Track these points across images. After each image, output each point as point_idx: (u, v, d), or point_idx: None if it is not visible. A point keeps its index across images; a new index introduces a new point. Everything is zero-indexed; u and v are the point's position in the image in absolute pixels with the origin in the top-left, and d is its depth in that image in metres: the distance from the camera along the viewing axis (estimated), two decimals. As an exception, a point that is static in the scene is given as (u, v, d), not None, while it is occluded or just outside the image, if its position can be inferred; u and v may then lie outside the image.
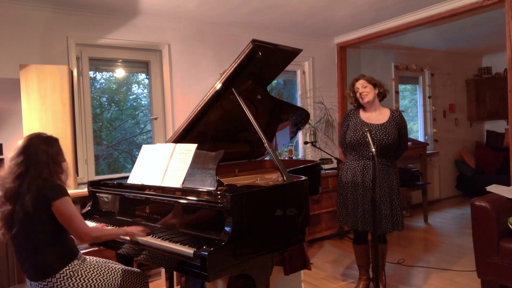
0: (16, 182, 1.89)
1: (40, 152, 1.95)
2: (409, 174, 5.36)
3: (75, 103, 3.51)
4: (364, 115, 2.99)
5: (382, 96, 2.99)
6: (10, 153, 2.02)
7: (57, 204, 1.88)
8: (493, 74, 6.89)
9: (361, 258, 3.09)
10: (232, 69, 2.21)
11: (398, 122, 2.93)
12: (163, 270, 3.37)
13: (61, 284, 1.88)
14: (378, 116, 2.96)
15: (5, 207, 1.89)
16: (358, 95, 2.97)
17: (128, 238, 2.05)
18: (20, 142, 1.99)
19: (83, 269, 1.95)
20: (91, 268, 1.99)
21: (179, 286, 3.17)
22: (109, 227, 2.21)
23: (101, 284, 1.96)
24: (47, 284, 1.88)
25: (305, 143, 4.85)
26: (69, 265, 1.92)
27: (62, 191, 1.92)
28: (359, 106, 3.05)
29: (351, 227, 2.97)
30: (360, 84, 2.96)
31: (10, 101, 3.28)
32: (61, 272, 1.89)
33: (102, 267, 2.03)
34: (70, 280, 1.90)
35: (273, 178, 2.53)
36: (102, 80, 4.12)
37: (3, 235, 1.93)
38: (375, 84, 2.97)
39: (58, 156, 2.03)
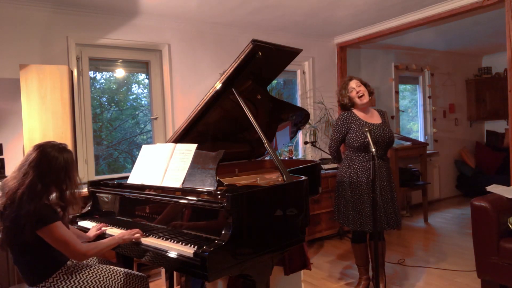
0: (35, 203, 1.79)
1: (60, 168, 1.87)
2: (409, 174, 5.36)
3: (75, 103, 3.51)
4: (363, 117, 2.96)
5: (371, 95, 3.02)
6: (12, 159, 1.93)
7: (43, 232, 1.79)
8: (493, 74, 6.89)
9: (360, 258, 3.09)
10: (232, 69, 2.21)
11: (387, 120, 3.03)
12: (163, 270, 3.37)
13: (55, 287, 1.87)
14: (372, 116, 2.97)
15: (10, 224, 1.82)
16: (354, 93, 2.92)
17: None
18: (31, 155, 1.87)
19: (78, 270, 1.93)
20: (88, 269, 1.96)
21: (179, 286, 3.17)
22: (104, 239, 2.11)
23: (100, 286, 1.94)
24: None
25: (305, 143, 4.85)
26: (62, 267, 1.90)
27: (47, 219, 1.79)
28: (351, 106, 2.99)
29: (368, 230, 2.83)
30: (355, 84, 2.95)
31: (10, 101, 3.28)
32: (54, 275, 1.87)
33: (102, 269, 2.01)
34: (64, 283, 1.88)
35: (273, 178, 2.52)
36: (102, 80, 4.12)
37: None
38: (365, 84, 2.99)
39: (72, 167, 1.96)
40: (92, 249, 1.93)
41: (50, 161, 1.88)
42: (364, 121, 2.91)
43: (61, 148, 1.96)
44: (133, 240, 2.02)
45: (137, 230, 2.07)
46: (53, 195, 1.93)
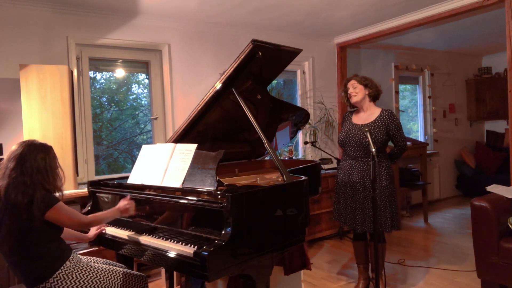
0: (23, 194, 1.84)
1: (39, 160, 1.92)
2: (409, 174, 5.36)
3: (75, 103, 3.51)
4: (355, 116, 3.04)
5: (373, 96, 2.97)
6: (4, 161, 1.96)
7: (51, 213, 1.87)
8: (493, 74, 6.89)
9: (359, 256, 3.10)
10: (232, 69, 2.21)
11: (386, 121, 2.87)
12: (163, 270, 3.37)
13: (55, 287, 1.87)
14: (368, 116, 2.96)
15: (7, 217, 1.85)
16: (348, 95, 3.00)
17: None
18: (15, 151, 1.93)
19: (78, 271, 1.94)
20: (88, 269, 1.97)
21: (179, 286, 3.17)
22: (104, 211, 2.19)
23: (99, 286, 1.95)
24: None
25: (305, 143, 4.85)
26: (62, 267, 1.90)
27: (50, 201, 1.88)
28: (352, 106, 3.10)
29: (342, 224, 3.07)
30: (351, 85, 2.99)
31: (10, 101, 3.28)
32: (54, 276, 1.88)
33: (101, 269, 2.01)
34: (64, 283, 1.88)
35: (273, 178, 2.52)
36: (102, 80, 4.12)
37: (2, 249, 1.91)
38: (366, 85, 2.96)
39: (54, 162, 2.01)
40: (95, 219, 2.08)
41: (29, 153, 1.93)
42: (350, 122, 3.02)
43: (38, 144, 2.01)
44: (128, 210, 2.13)
45: (127, 201, 2.16)
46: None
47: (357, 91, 2.94)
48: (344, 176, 3.00)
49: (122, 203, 2.15)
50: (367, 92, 2.95)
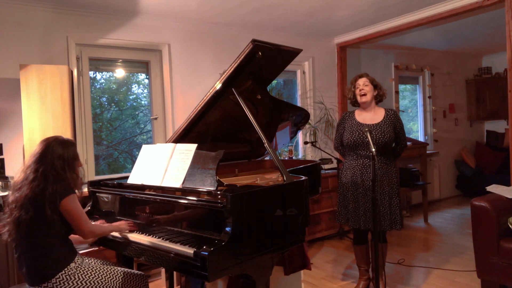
0: (31, 189, 1.90)
1: (56, 158, 1.97)
2: (409, 174, 5.36)
3: (75, 103, 3.51)
4: (359, 116, 3.00)
5: (379, 98, 3.00)
6: (27, 158, 2.02)
7: (65, 202, 1.92)
8: (493, 74, 6.90)
9: (361, 259, 3.09)
10: (232, 69, 2.21)
11: (393, 120, 2.93)
12: (163, 270, 3.37)
13: None
14: (373, 116, 2.96)
15: (16, 212, 1.90)
16: (357, 91, 2.98)
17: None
18: (36, 148, 2.02)
19: (80, 272, 1.95)
20: (89, 270, 1.98)
21: (179, 286, 3.17)
22: (106, 224, 2.24)
23: (99, 286, 1.96)
24: None
25: (305, 143, 4.85)
26: (65, 269, 1.92)
27: (68, 190, 1.96)
28: (355, 103, 3.07)
29: (353, 226, 2.95)
30: (362, 82, 2.97)
31: (10, 101, 3.28)
32: (57, 276, 1.89)
33: (101, 269, 2.02)
34: (66, 284, 1.90)
35: (273, 178, 2.52)
36: (102, 80, 4.12)
37: (10, 240, 1.95)
38: (375, 86, 2.98)
39: (73, 162, 2.05)
40: (98, 229, 2.11)
41: (53, 152, 1.99)
42: (357, 122, 2.97)
43: (60, 141, 2.05)
44: (126, 230, 2.15)
45: (132, 224, 2.19)
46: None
47: (368, 90, 2.93)
48: (354, 176, 2.93)
49: (126, 225, 2.17)
50: (375, 94, 2.96)
